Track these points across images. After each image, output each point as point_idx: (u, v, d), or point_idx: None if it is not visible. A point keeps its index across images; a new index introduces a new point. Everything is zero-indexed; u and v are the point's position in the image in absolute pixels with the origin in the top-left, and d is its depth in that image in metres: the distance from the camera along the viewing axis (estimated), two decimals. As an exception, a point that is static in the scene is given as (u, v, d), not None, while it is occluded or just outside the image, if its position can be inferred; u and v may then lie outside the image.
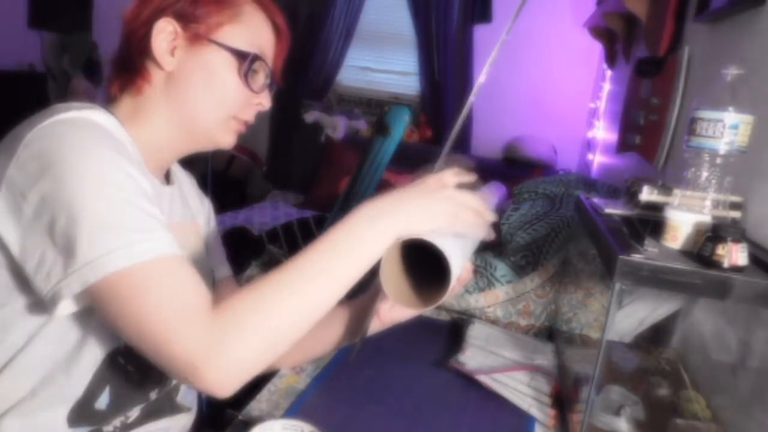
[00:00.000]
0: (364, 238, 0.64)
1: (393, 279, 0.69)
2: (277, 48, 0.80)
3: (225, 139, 0.78)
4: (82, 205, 0.55)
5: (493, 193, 0.88)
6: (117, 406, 0.71)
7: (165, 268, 0.57)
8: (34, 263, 0.57)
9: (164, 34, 0.71)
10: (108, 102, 0.75)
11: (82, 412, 0.68)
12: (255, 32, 0.75)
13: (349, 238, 0.63)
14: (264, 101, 0.79)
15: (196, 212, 0.89)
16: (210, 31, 0.72)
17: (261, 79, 0.78)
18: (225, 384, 0.55)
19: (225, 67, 0.73)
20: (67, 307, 0.58)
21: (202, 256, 0.87)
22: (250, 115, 0.79)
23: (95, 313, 0.63)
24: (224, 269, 0.95)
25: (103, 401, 0.69)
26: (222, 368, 0.55)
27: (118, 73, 0.74)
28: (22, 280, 0.61)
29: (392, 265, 0.68)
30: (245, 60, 0.74)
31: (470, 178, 0.77)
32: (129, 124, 0.72)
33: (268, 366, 0.59)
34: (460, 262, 0.68)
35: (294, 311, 0.59)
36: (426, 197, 0.68)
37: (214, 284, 0.89)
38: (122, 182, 0.59)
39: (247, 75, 0.74)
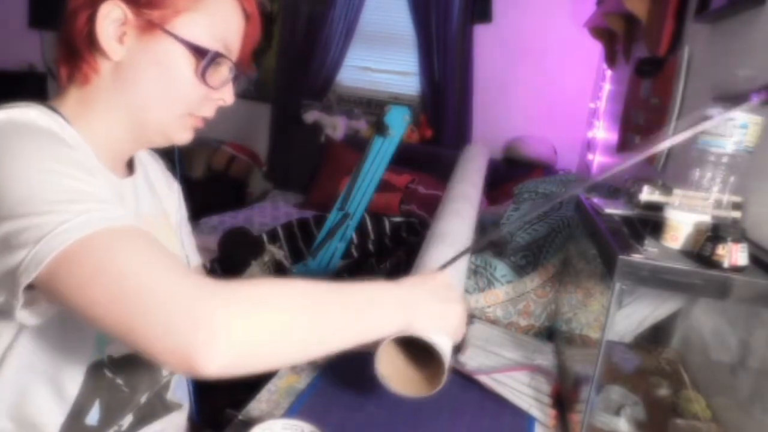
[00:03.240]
0: (381, 315, 0.63)
1: (386, 354, 0.71)
2: (247, 35, 0.73)
3: (180, 136, 0.72)
4: (21, 198, 0.50)
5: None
6: (109, 419, 0.69)
7: (132, 234, 0.52)
8: None
9: (110, 19, 0.63)
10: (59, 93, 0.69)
11: (72, 428, 0.65)
12: (219, 21, 0.67)
13: (373, 304, 0.62)
14: (226, 96, 0.73)
15: (164, 198, 0.84)
16: (165, 19, 0.64)
17: (223, 73, 0.70)
18: (217, 354, 0.46)
19: (181, 63, 0.66)
20: (29, 317, 0.54)
21: (173, 245, 0.82)
22: (208, 111, 0.73)
23: (65, 322, 0.60)
24: (194, 257, 0.91)
25: (93, 417, 0.67)
26: (222, 332, 0.47)
27: (64, 59, 0.67)
28: None
29: (388, 347, 0.70)
30: (204, 57, 0.66)
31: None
32: (76, 119, 0.66)
33: (245, 371, 0.51)
34: (448, 361, 0.71)
35: (305, 320, 0.54)
36: (442, 302, 0.70)
37: None
38: (64, 160, 0.54)
39: (205, 73, 0.67)
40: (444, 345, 0.69)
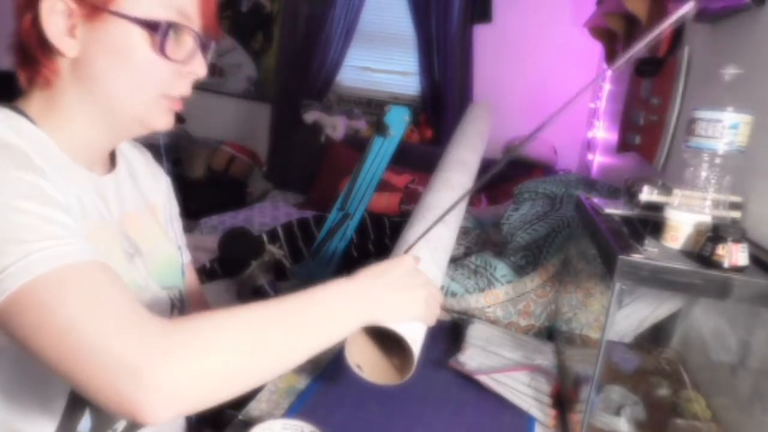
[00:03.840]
0: (340, 318, 0.62)
1: (356, 345, 0.71)
2: None
3: (159, 122, 0.68)
4: None
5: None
6: (101, 424, 0.67)
7: (82, 274, 0.50)
8: None
9: (54, 14, 0.59)
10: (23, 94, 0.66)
11: None
12: None
13: (327, 312, 0.61)
14: (197, 68, 0.68)
15: (149, 191, 0.81)
16: (108, 0, 0.60)
17: (187, 44, 0.65)
18: (158, 404, 0.47)
19: (136, 43, 0.62)
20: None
21: (161, 240, 0.80)
22: (183, 89, 0.68)
23: None
24: (185, 254, 0.89)
25: (85, 425, 0.65)
26: (164, 381, 0.47)
27: (20, 65, 0.63)
28: None
29: (357, 336, 0.70)
30: (157, 30, 0.61)
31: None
32: (44, 120, 0.63)
33: (201, 409, 0.52)
34: (420, 349, 0.71)
35: (251, 354, 0.53)
36: (404, 289, 0.69)
37: (183, 266, 0.84)
38: (9, 191, 0.51)
39: (164, 47, 0.62)
40: (411, 332, 0.68)
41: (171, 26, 0.62)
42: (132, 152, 0.82)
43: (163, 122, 0.68)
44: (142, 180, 0.80)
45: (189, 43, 0.65)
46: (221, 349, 0.51)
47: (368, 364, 0.72)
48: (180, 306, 0.79)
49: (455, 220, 1.07)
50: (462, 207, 1.17)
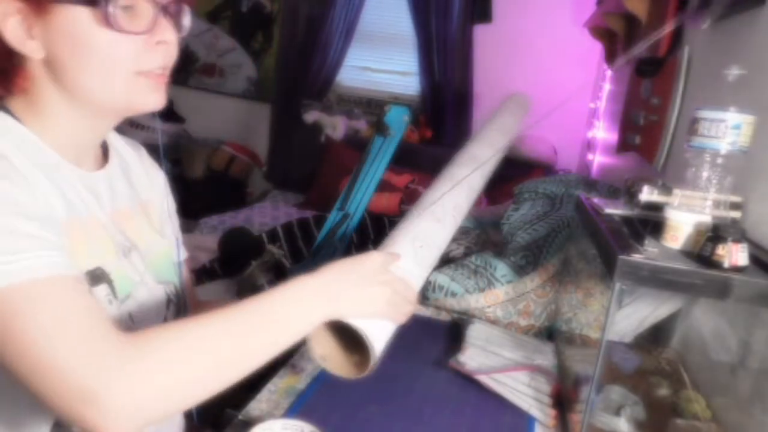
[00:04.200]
0: (300, 315, 0.63)
1: (322, 337, 0.72)
2: None
3: (147, 100, 0.65)
4: None
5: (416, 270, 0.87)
6: None
7: (49, 290, 0.51)
8: None
9: (8, 18, 0.58)
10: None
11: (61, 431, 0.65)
12: None
13: (286, 311, 0.62)
14: (165, 35, 0.64)
15: (143, 188, 0.81)
16: None
17: (145, 12, 0.62)
18: (117, 425, 0.48)
19: (86, 25, 0.59)
20: None
21: (154, 237, 0.79)
22: (159, 60, 0.65)
23: None
24: (181, 252, 0.89)
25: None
26: (121, 403, 0.48)
27: None
28: None
29: (322, 328, 0.71)
30: (98, 4, 0.58)
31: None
32: (29, 120, 0.63)
33: (166, 418, 0.54)
34: (382, 345, 0.72)
35: (212, 363, 0.55)
36: (368, 286, 0.69)
37: (180, 263, 0.85)
38: None
39: (112, 20, 0.59)
40: (372, 328, 0.69)
41: None
42: (125, 149, 0.81)
43: (151, 101, 0.66)
44: (135, 177, 0.80)
45: (148, 10, 0.62)
46: (182, 361, 0.53)
47: (332, 356, 0.73)
48: (176, 301, 0.79)
49: (452, 220, 1.05)
50: (464, 207, 1.16)
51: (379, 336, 0.70)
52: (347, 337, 0.71)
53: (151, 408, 0.51)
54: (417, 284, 0.81)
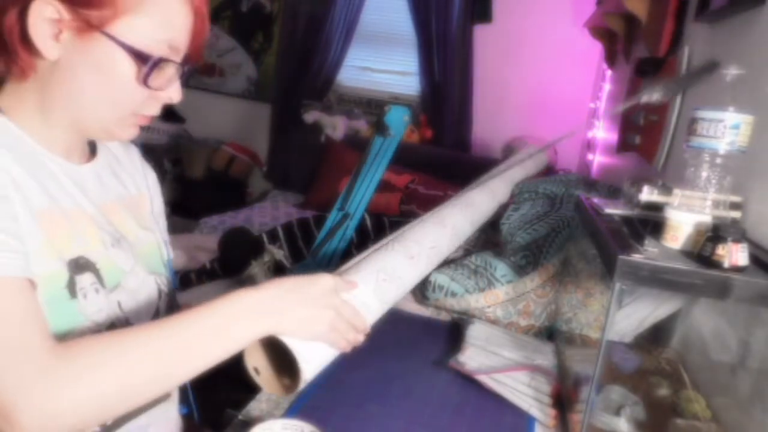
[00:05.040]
0: (238, 329, 0.63)
1: (258, 350, 0.72)
2: (195, 31, 0.68)
3: (124, 134, 0.70)
4: None
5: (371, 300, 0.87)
6: None
7: None
8: None
9: (42, 18, 0.59)
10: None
11: None
12: (163, 22, 0.64)
13: (226, 325, 0.62)
14: (173, 94, 0.69)
15: (132, 186, 0.82)
16: (105, 21, 0.60)
17: (168, 74, 0.67)
18: None
19: (122, 67, 0.62)
20: None
21: (143, 232, 0.79)
22: (154, 110, 0.70)
23: None
24: (168, 251, 0.90)
25: None
26: (42, 418, 0.50)
27: None
28: None
29: (258, 342, 0.71)
30: (146, 62, 0.63)
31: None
32: (15, 112, 0.65)
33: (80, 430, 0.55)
34: (316, 369, 0.72)
35: (139, 377, 0.56)
36: (312, 307, 0.69)
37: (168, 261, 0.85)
38: None
39: (148, 78, 0.64)
40: (307, 351, 0.69)
41: (159, 62, 0.63)
42: (114, 144, 0.82)
43: (127, 134, 0.70)
44: (125, 173, 0.81)
45: (170, 71, 0.67)
46: (108, 375, 0.54)
47: (265, 371, 0.73)
48: (168, 291, 0.80)
49: (427, 260, 1.05)
50: (444, 250, 1.16)
51: (312, 359, 0.70)
52: (282, 355, 0.70)
53: (68, 422, 0.51)
54: (371, 315, 0.81)
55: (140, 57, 0.62)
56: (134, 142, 0.86)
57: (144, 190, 0.84)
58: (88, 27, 0.60)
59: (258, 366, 0.73)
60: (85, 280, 0.65)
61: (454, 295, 1.26)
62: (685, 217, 0.79)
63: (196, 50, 0.70)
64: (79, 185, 0.69)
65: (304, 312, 0.69)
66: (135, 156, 0.86)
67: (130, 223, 0.77)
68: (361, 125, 3.33)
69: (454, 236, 1.19)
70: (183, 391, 0.87)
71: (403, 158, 1.94)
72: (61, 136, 0.68)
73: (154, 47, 0.63)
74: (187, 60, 0.69)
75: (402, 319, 1.28)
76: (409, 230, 1.10)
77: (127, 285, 0.71)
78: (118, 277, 0.70)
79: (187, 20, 0.66)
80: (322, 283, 0.72)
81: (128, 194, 0.80)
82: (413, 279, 0.99)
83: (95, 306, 0.65)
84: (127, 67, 0.63)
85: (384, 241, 1.02)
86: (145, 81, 0.64)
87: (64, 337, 0.60)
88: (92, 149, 0.76)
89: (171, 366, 0.59)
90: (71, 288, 0.63)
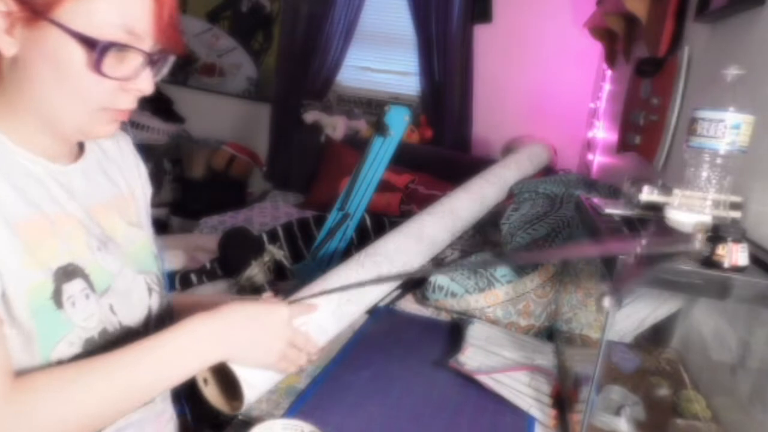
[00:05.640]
0: (192, 358, 0.66)
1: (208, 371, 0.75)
2: (156, 14, 0.63)
3: (100, 131, 0.67)
4: None
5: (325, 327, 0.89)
6: None
7: None
8: None
9: None
10: None
11: None
12: (114, 4, 0.59)
13: (182, 354, 0.65)
14: (142, 85, 0.65)
15: (122, 180, 0.79)
16: (49, 7, 0.57)
17: (131, 61, 0.62)
18: None
19: (72, 57, 0.59)
20: None
21: (133, 229, 0.78)
22: (129, 103, 0.66)
23: None
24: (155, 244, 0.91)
25: None
26: None
27: None
28: None
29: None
30: (94, 48, 0.58)
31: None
32: None
33: None
34: (259, 393, 0.76)
35: (98, 406, 0.59)
36: (265, 339, 0.73)
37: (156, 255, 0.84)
38: None
39: (100, 66, 0.59)
40: (252, 377, 0.73)
41: (110, 46, 0.59)
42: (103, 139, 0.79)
43: (104, 131, 0.67)
44: (113, 167, 0.79)
45: (135, 60, 0.63)
46: (62, 412, 0.56)
47: (212, 384, 0.76)
48: (158, 290, 0.79)
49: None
50: (434, 249, 1.17)
51: (257, 384, 0.74)
52: (228, 375, 0.73)
53: None
54: (325, 337, 0.85)
55: (89, 43, 0.58)
56: (135, 141, 0.86)
57: (135, 182, 0.82)
58: (36, 16, 0.57)
59: (207, 377, 0.75)
60: (74, 287, 0.64)
61: (454, 295, 1.26)
62: (685, 217, 0.79)
63: (164, 36, 0.64)
64: (65, 187, 0.67)
65: (256, 344, 0.72)
66: (126, 146, 0.83)
67: (119, 222, 0.76)
68: (361, 125, 3.33)
69: (431, 249, 1.20)
70: (176, 391, 0.87)
71: (403, 158, 1.94)
72: (40, 137, 0.65)
73: (106, 32, 0.59)
74: (162, 46, 0.65)
75: (402, 319, 1.28)
76: (385, 243, 1.11)
77: (117, 288, 0.71)
78: (107, 281, 0.69)
79: (144, 2, 0.61)
80: (278, 314, 0.75)
81: (118, 191, 0.78)
82: (377, 298, 1.01)
83: (85, 312, 0.65)
84: (79, 55, 0.59)
85: (358, 256, 1.03)
86: (97, 68, 0.59)
87: (55, 346, 0.62)
88: (81, 146, 0.74)
89: (127, 394, 0.62)
90: (57, 298, 0.62)
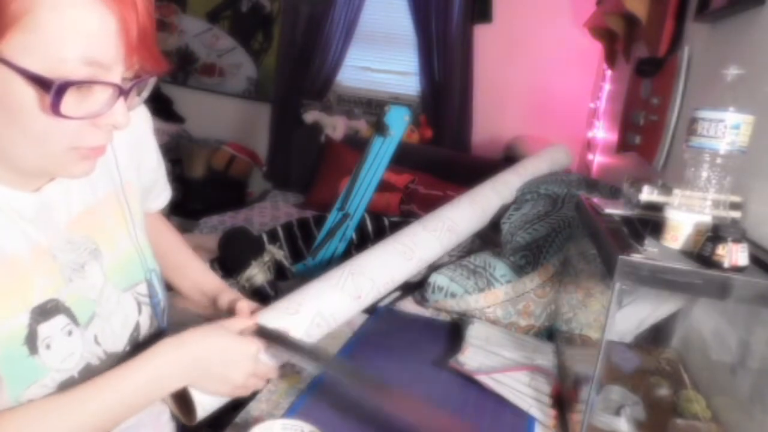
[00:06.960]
0: (161, 389, 0.68)
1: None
2: (126, 38, 0.52)
3: (74, 170, 0.58)
4: None
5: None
6: None
7: None
8: None
9: None
10: None
11: None
12: (66, 33, 0.49)
13: (148, 386, 0.66)
14: (117, 118, 0.55)
15: (109, 179, 0.72)
16: None
17: (100, 95, 0.54)
18: None
19: (26, 99, 0.50)
20: None
21: (120, 234, 0.73)
22: (101, 139, 0.57)
23: None
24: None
25: None
26: None
27: None
28: None
29: None
30: (48, 90, 0.49)
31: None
32: None
33: None
34: (210, 411, 0.78)
35: None
36: (229, 373, 0.74)
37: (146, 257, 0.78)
38: None
39: (57, 108, 0.50)
40: (207, 401, 0.75)
41: (67, 86, 0.49)
42: None
43: (78, 170, 0.58)
44: (102, 167, 0.70)
45: (103, 93, 0.54)
46: None
47: (180, 396, 0.77)
48: (149, 302, 0.76)
49: (377, 294, 1.05)
50: (421, 265, 1.16)
51: (210, 404, 0.76)
52: (184, 391, 0.75)
53: None
54: (293, 360, 0.88)
55: (41, 83, 0.49)
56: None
57: (126, 171, 0.74)
58: None
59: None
60: (53, 326, 0.60)
61: (453, 296, 1.26)
62: (685, 217, 0.79)
63: (137, 57, 0.54)
64: (39, 216, 0.61)
65: (220, 377, 0.73)
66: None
67: (105, 227, 0.70)
68: (361, 125, 3.33)
69: (419, 265, 1.20)
70: None
71: (403, 158, 1.94)
72: (2, 172, 0.57)
73: (63, 68, 0.49)
74: (138, 69, 0.56)
75: (402, 319, 1.28)
76: (373, 258, 1.09)
77: (102, 313, 0.68)
78: (90, 309, 0.66)
79: (105, 26, 0.51)
80: (245, 351, 0.75)
81: (104, 196, 0.71)
82: (350, 317, 1.01)
83: (63, 353, 0.62)
84: (30, 96, 0.50)
85: (342, 270, 1.01)
86: (55, 111, 0.50)
87: (24, 391, 0.59)
88: None
89: (100, 421, 0.62)
90: (31, 343, 0.58)
